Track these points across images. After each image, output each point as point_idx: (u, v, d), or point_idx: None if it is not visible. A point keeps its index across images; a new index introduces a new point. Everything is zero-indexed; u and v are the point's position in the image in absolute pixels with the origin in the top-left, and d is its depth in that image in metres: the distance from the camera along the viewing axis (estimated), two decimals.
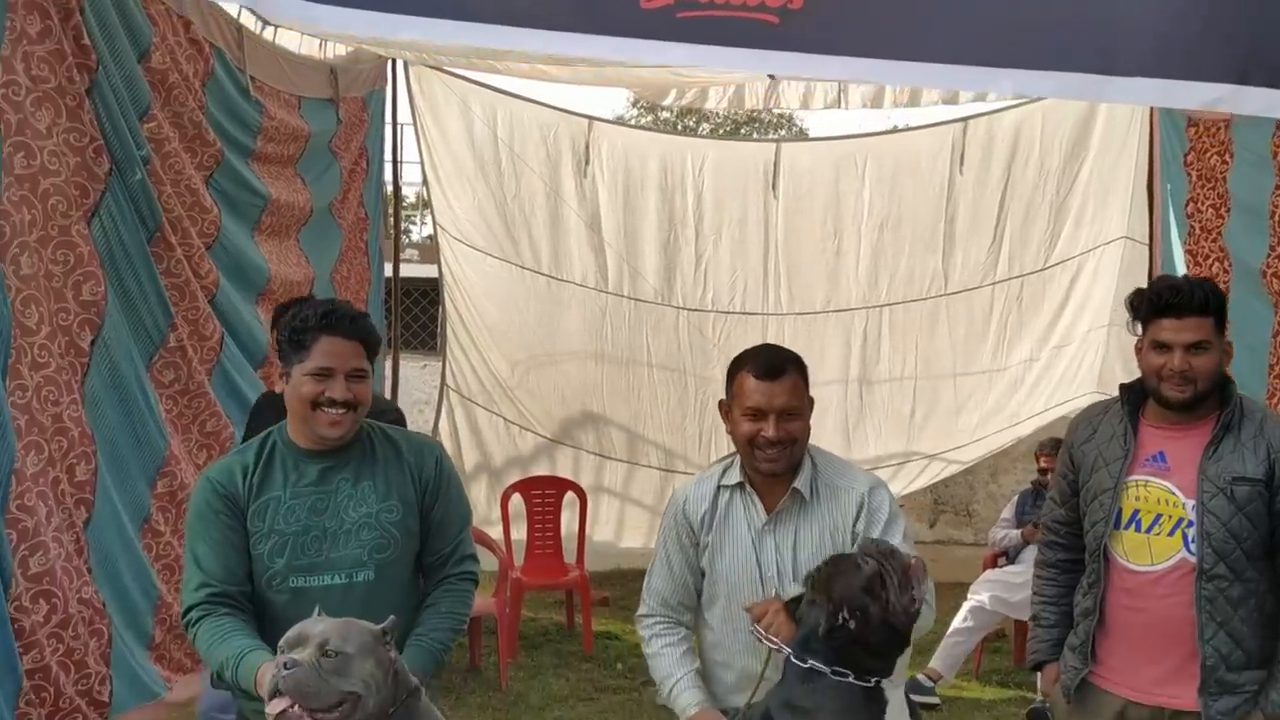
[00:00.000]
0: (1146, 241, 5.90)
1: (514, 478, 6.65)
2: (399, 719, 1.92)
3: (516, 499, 6.30)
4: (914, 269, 6.71)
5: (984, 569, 5.67)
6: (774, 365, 2.47)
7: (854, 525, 2.48)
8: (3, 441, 3.48)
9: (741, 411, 2.47)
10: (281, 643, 1.88)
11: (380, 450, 2.40)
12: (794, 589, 2.37)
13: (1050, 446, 5.68)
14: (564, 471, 6.82)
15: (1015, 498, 5.89)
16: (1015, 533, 5.64)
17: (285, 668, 1.84)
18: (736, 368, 2.53)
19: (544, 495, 6.34)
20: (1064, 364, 6.70)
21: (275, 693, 1.85)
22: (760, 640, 2.30)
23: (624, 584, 6.80)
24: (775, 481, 2.50)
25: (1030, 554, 5.45)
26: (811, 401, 2.53)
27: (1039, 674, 4.73)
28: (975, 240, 6.65)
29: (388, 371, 6.44)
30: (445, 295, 6.88)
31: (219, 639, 2.18)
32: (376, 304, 6.36)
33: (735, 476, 2.55)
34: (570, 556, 6.26)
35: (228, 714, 3.11)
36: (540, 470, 6.81)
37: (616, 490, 7.08)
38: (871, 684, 2.17)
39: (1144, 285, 2.89)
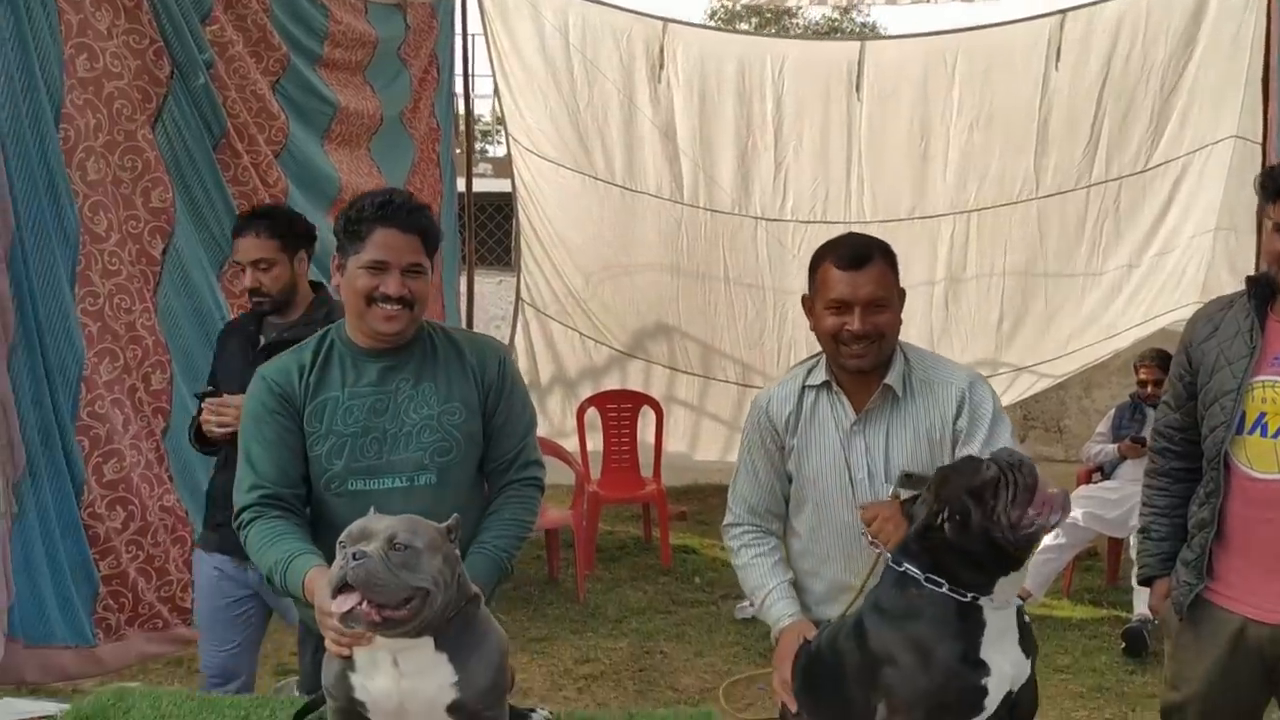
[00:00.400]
0: (1260, 140, 5.49)
1: (588, 390, 6.58)
2: (458, 626, 1.82)
3: (592, 412, 6.23)
4: (1004, 171, 6.37)
5: (1078, 485, 5.46)
6: (858, 254, 2.28)
7: (954, 423, 2.31)
8: (70, 348, 3.46)
9: (825, 305, 2.30)
10: (342, 537, 1.77)
11: (442, 351, 2.30)
12: (886, 491, 2.21)
13: (1152, 356, 5.42)
14: (636, 384, 6.73)
15: (1112, 411, 5.65)
16: (1111, 447, 5.42)
17: (354, 558, 1.73)
18: (819, 259, 2.35)
19: (620, 409, 6.28)
20: (1166, 272, 6.35)
21: (341, 587, 1.74)
22: (869, 543, 2.16)
23: (701, 499, 6.73)
24: (864, 379, 2.34)
25: (1126, 470, 5.24)
26: (902, 293, 2.35)
27: (1136, 592, 4.57)
28: (1070, 140, 6.27)
29: (463, 288, 6.37)
30: (519, 208, 6.75)
31: (269, 541, 2.11)
32: (450, 217, 6.26)
33: (821, 376, 2.39)
34: (646, 470, 6.19)
35: (234, 681, 3.09)
36: (612, 383, 6.72)
37: (692, 404, 6.96)
38: (967, 598, 2.02)
39: None
